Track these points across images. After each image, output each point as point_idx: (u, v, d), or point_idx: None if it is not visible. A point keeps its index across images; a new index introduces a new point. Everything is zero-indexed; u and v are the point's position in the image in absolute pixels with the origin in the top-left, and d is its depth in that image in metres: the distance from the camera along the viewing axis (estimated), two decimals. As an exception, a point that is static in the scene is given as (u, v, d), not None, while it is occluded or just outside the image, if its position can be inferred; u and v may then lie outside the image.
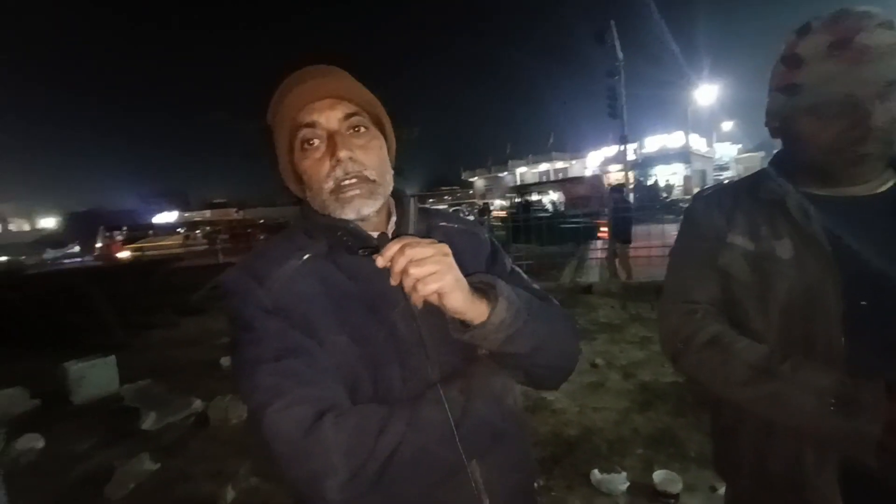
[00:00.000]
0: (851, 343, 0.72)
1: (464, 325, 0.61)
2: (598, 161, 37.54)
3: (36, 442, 3.17)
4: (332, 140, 0.65)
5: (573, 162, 41.32)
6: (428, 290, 0.56)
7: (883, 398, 0.66)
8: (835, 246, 0.74)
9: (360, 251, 0.66)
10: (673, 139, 32.26)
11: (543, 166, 42.72)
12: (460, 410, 0.59)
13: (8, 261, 19.35)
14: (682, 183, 29.60)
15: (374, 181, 0.67)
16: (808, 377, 0.72)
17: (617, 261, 6.72)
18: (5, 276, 11.30)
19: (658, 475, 2.15)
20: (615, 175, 29.49)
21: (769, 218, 0.82)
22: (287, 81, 0.67)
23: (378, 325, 0.64)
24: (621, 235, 6.59)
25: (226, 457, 2.83)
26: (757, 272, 0.81)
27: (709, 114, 34.76)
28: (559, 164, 42.18)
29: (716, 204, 0.90)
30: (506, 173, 43.28)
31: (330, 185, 0.65)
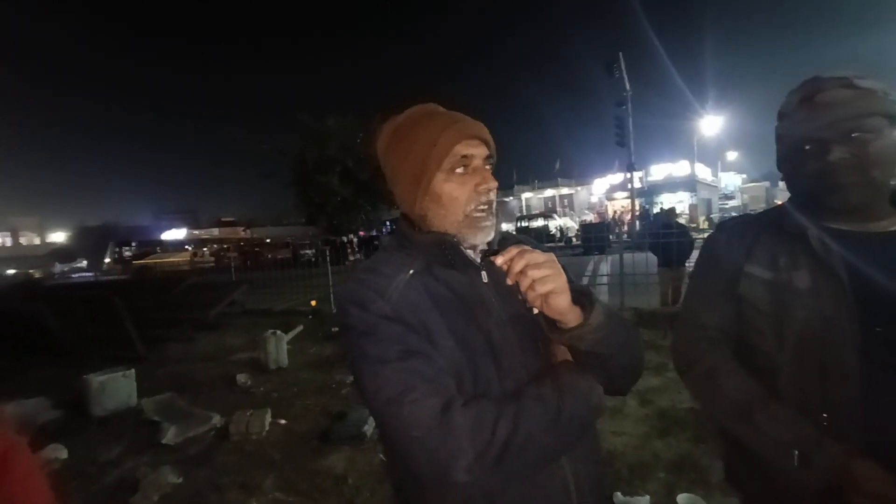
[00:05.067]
0: (866, 369, 0.77)
1: (558, 328, 0.69)
2: (603, 188, 37.81)
3: (59, 452, 3.22)
4: (482, 171, 0.76)
5: (579, 188, 41.61)
6: (544, 289, 0.64)
7: (837, 463, 0.73)
8: (851, 276, 0.80)
9: (481, 253, 0.77)
10: (679, 168, 32.57)
11: (549, 192, 43.05)
12: (556, 405, 0.67)
13: (21, 273, 19.59)
14: (687, 211, 29.72)
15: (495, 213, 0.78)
16: (777, 431, 0.79)
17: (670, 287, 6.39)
18: (24, 287, 11.48)
19: (682, 498, 2.18)
20: (621, 202, 29.67)
21: (789, 249, 0.88)
22: (434, 115, 0.77)
23: (476, 331, 0.72)
24: (679, 259, 6.35)
25: (252, 468, 2.87)
26: (775, 301, 0.87)
27: (714, 144, 35.35)
28: (565, 191, 42.47)
29: (737, 235, 0.96)
30: (511, 198, 43.63)
31: (470, 207, 0.75)
